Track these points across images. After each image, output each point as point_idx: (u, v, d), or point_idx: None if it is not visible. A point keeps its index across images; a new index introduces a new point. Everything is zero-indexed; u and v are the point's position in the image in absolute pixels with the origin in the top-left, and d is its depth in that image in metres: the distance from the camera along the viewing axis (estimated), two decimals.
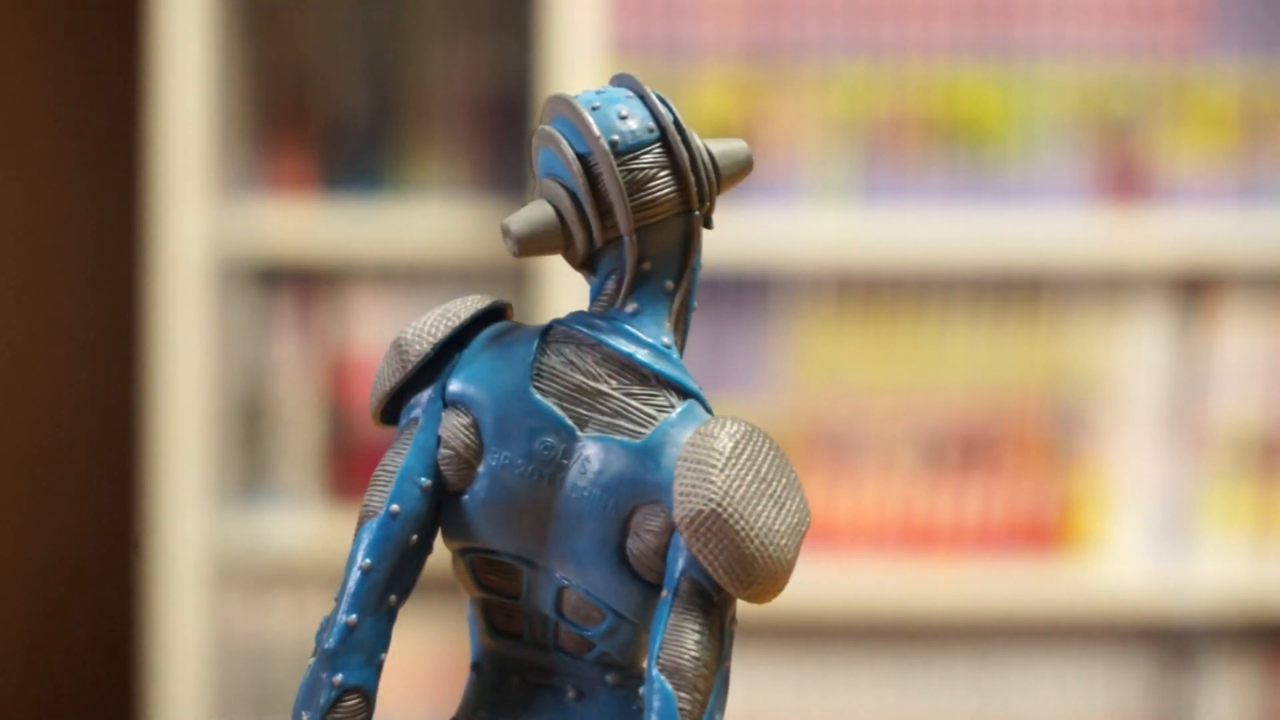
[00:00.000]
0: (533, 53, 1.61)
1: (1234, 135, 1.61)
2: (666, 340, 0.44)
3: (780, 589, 0.42)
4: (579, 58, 1.55)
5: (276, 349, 1.70)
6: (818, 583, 1.55)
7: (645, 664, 0.43)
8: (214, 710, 1.64)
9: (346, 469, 1.69)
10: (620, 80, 0.45)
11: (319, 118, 1.71)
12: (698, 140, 0.45)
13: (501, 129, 1.69)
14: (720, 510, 0.41)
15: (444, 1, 1.70)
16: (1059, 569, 1.60)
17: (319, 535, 1.66)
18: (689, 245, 0.45)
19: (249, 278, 1.67)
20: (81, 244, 1.95)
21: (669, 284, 0.44)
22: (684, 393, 0.44)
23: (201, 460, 1.61)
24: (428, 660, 1.64)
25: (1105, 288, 1.62)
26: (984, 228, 1.60)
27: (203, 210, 1.60)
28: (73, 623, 1.95)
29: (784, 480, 0.43)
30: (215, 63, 1.61)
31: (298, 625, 1.68)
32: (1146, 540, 1.62)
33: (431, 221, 1.65)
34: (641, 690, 0.44)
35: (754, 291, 1.63)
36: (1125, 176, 1.62)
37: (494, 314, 0.46)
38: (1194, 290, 1.62)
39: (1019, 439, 1.62)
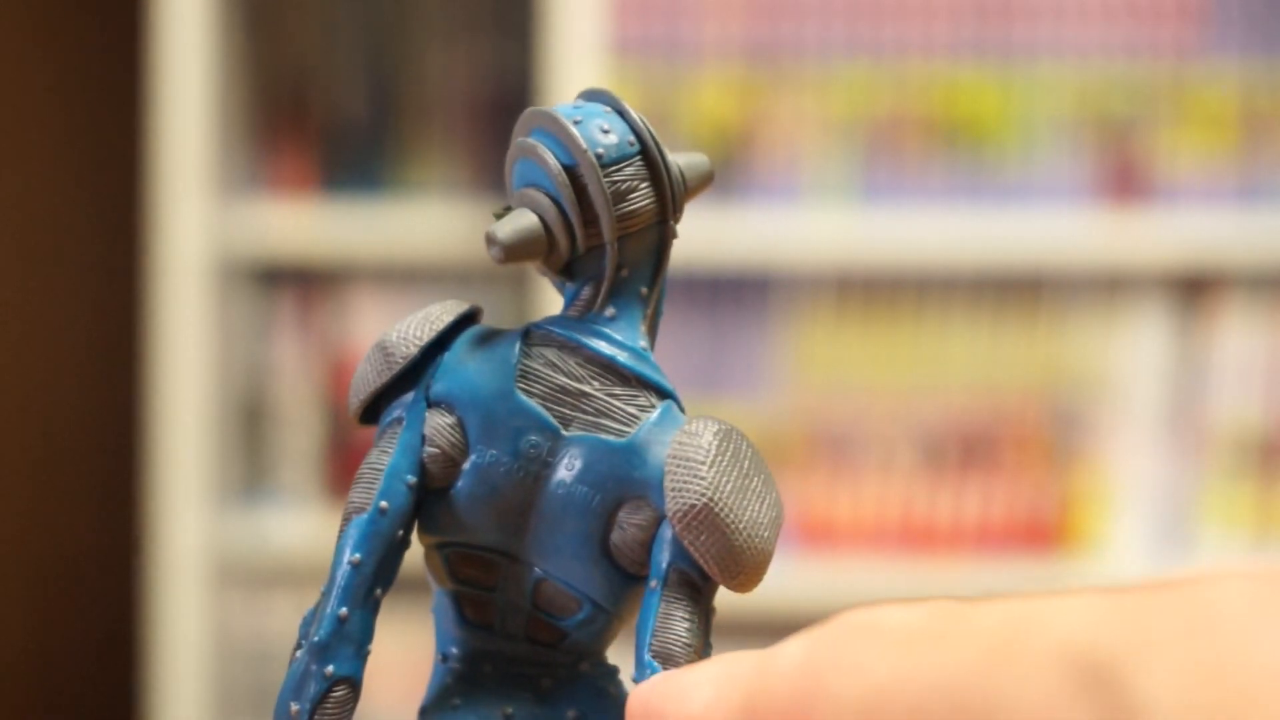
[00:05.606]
0: (533, 53, 1.61)
1: (1234, 135, 1.61)
2: (643, 343, 0.47)
3: (761, 578, 0.45)
4: (579, 58, 1.55)
5: (276, 349, 1.70)
6: (818, 582, 1.55)
7: (608, 653, 0.47)
8: (214, 710, 1.64)
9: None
10: (594, 95, 0.47)
11: (319, 118, 1.71)
12: (668, 154, 0.47)
13: (502, 129, 1.69)
14: (712, 504, 0.44)
15: (444, 2, 1.70)
16: (1059, 569, 1.60)
17: (318, 535, 1.67)
18: (662, 253, 0.48)
19: (249, 278, 1.68)
20: (82, 244, 1.95)
21: (644, 290, 0.47)
22: (661, 393, 0.47)
23: (201, 460, 1.61)
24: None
25: (1105, 288, 1.62)
26: (984, 228, 1.60)
27: (203, 210, 1.60)
28: (74, 622, 1.95)
29: (761, 476, 0.46)
30: (215, 63, 1.61)
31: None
32: (1146, 540, 1.62)
33: (431, 222, 1.65)
34: (610, 678, 0.47)
35: (754, 291, 1.63)
36: (1125, 176, 1.62)
37: (468, 318, 0.48)
38: (1194, 290, 1.62)
39: (1019, 439, 1.62)
